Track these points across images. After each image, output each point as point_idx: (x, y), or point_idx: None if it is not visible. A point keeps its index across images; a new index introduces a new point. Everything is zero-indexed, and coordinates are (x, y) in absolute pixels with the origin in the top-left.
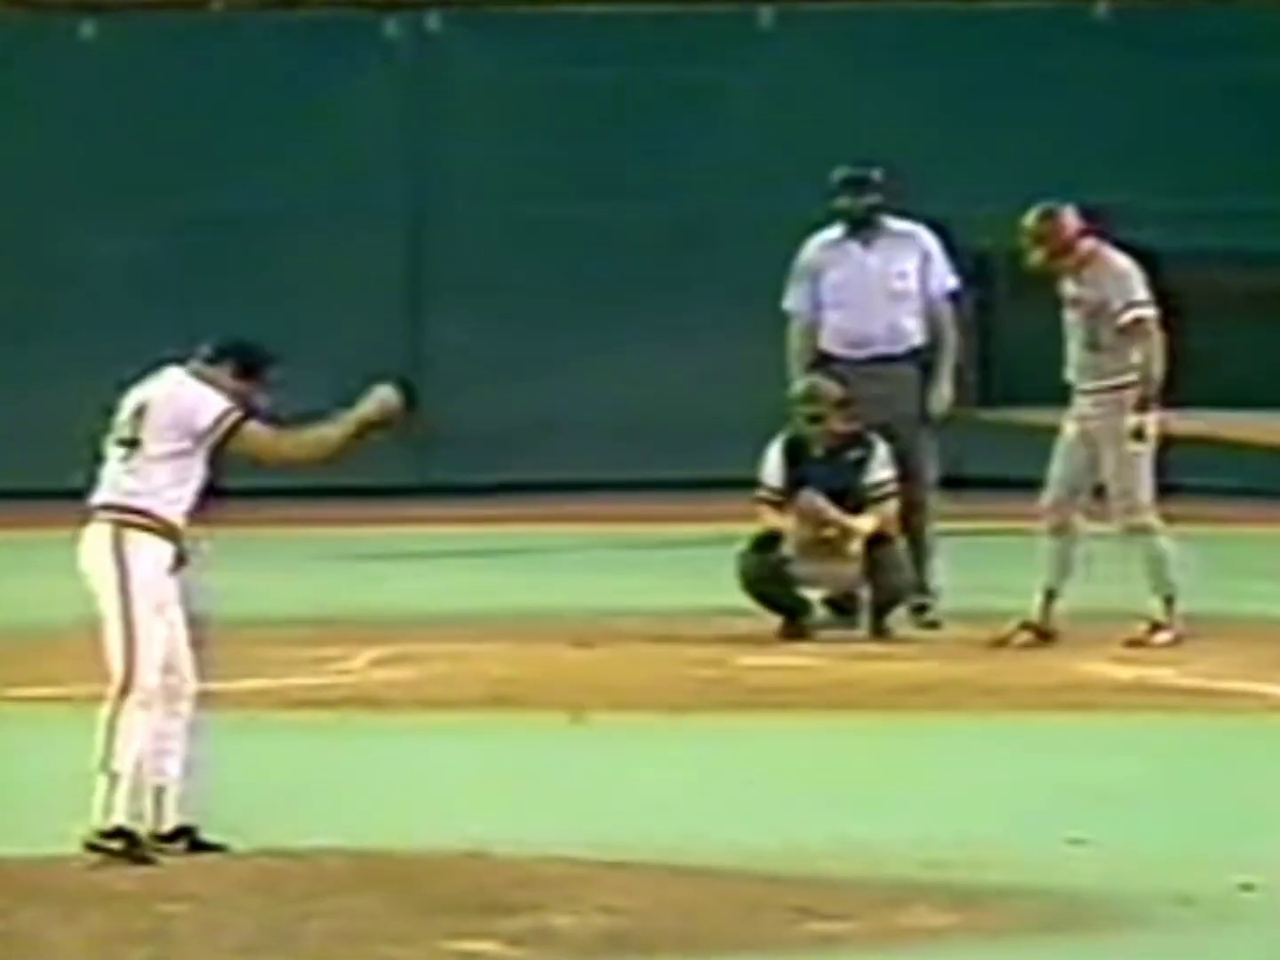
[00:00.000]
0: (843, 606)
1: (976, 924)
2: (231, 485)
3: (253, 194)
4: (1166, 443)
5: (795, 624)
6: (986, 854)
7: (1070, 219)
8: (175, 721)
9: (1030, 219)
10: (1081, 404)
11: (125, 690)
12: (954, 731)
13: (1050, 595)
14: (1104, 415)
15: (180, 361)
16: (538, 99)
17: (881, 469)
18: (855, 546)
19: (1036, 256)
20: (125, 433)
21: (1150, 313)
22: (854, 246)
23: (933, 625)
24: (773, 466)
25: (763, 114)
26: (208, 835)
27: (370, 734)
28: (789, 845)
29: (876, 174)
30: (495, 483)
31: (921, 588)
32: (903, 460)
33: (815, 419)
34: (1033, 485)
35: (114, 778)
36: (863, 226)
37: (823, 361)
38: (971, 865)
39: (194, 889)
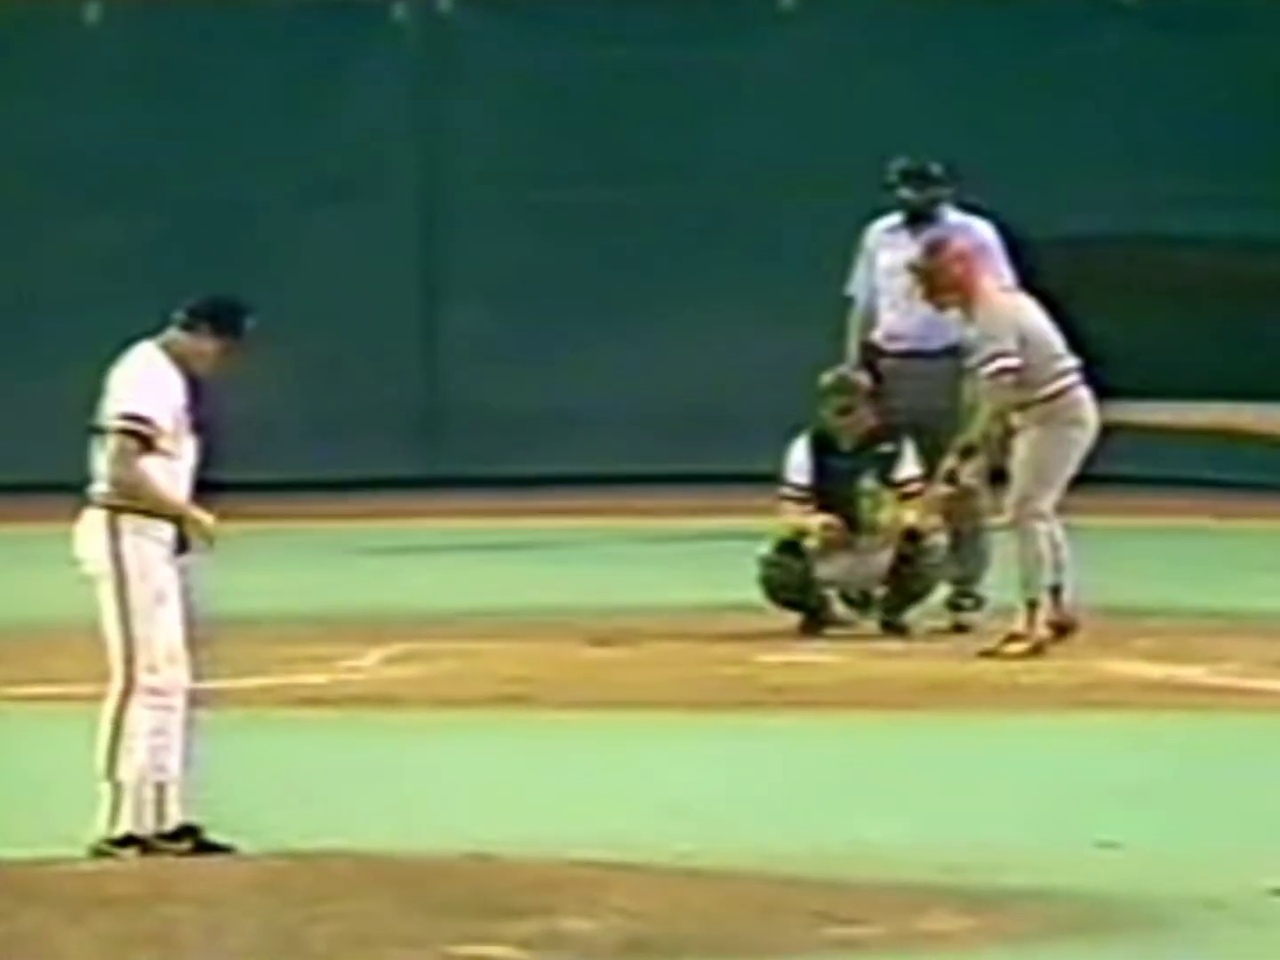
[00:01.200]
0: (860, 601)
1: (998, 928)
2: (234, 478)
3: (260, 180)
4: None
5: (816, 619)
6: (1009, 857)
7: (954, 255)
8: (172, 715)
9: (918, 255)
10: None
11: (127, 690)
12: (976, 731)
13: (1056, 590)
14: (1025, 425)
15: (157, 332)
16: (552, 82)
17: (910, 467)
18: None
19: (919, 293)
20: (99, 418)
21: (1010, 363)
22: (904, 236)
23: (963, 629)
24: (798, 462)
25: (786, 97)
26: (213, 835)
27: (379, 733)
28: (808, 847)
29: (937, 167)
30: (509, 475)
31: (962, 583)
32: (937, 458)
33: (844, 411)
34: (1093, 481)
35: (119, 786)
36: (921, 219)
37: (864, 351)
38: (993, 868)
39: (198, 891)
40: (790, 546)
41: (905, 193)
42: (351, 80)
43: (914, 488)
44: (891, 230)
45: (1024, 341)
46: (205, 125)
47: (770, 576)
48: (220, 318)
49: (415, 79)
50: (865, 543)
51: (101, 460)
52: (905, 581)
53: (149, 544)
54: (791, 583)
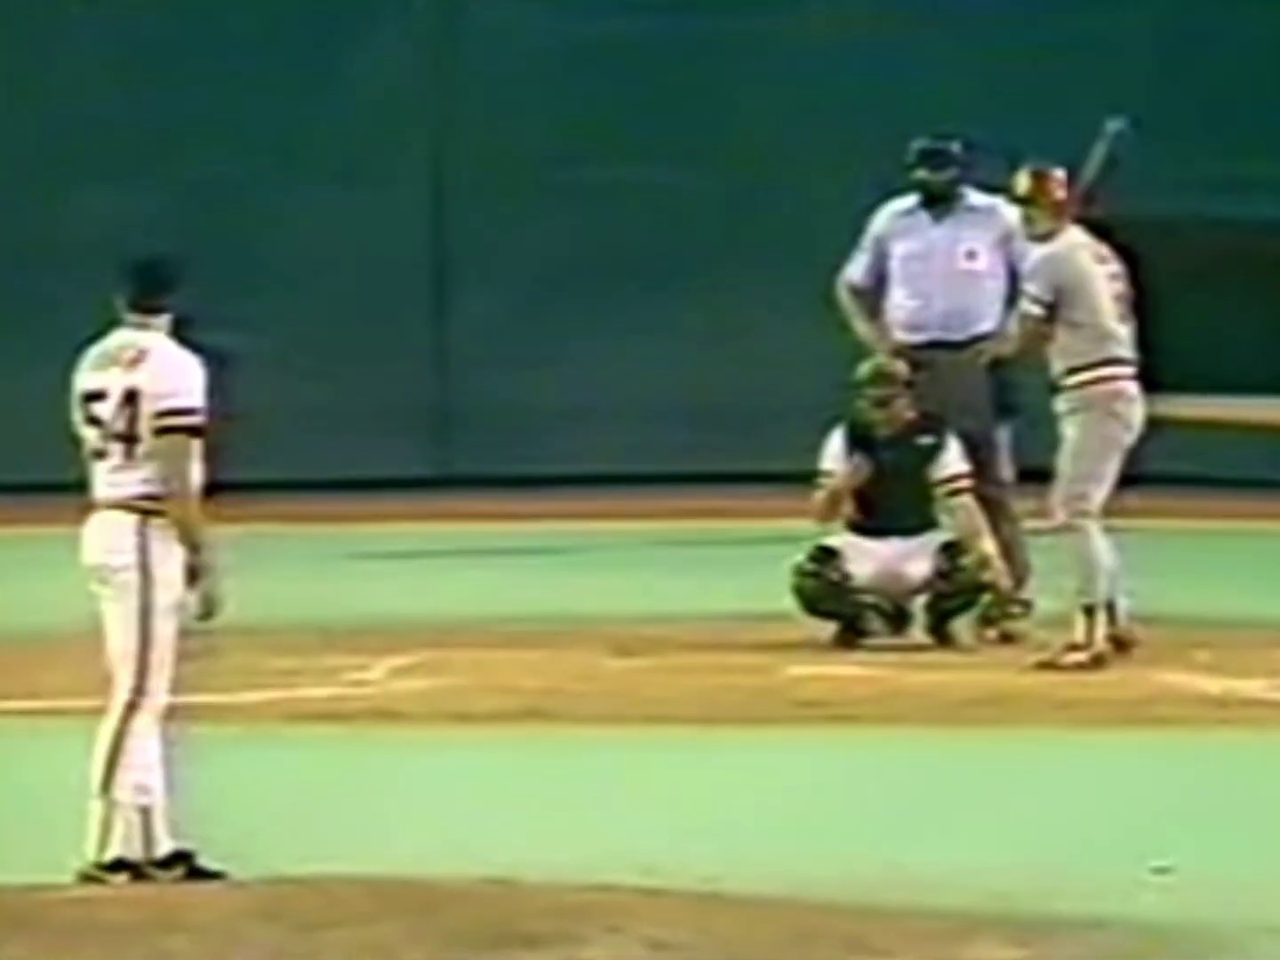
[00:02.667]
0: (896, 616)
1: (1046, 959)
2: (233, 478)
3: (263, 160)
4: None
5: (852, 630)
6: (1058, 882)
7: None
8: (152, 734)
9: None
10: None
11: (134, 704)
12: (1022, 748)
13: (1109, 603)
14: (1064, 415)
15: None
16: (568, 55)
17: (956, 462)
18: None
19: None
20: (121, 420)
21: (1033, 311)
22: (924, 219)
23: (1007, 637)
24: (835, 452)
25: (816, 69)
26: (206, 861)
27: (388, 749)
28: (842, 871)
29: (956, 146)
30: (524, 475)
31: (1008, 589)
32: (969, 456)
33: (882, 403)
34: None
35: (113, 805)
36: (939, 200)
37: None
38: (1041, 895)
39: (196, 919)
40: (825, 553)
41: (923, 174)
42: (358, 58)
43: (960, 485)
44: (908, 213)
45: (1072, 306)
46: (202, 102)
47: (804, 586)
48: (171, 279)
49: (425, 56)
50: (896, 548)
51: (133, 459)
52: (941, 597)
53: (176, 551)
54: (826, 592)
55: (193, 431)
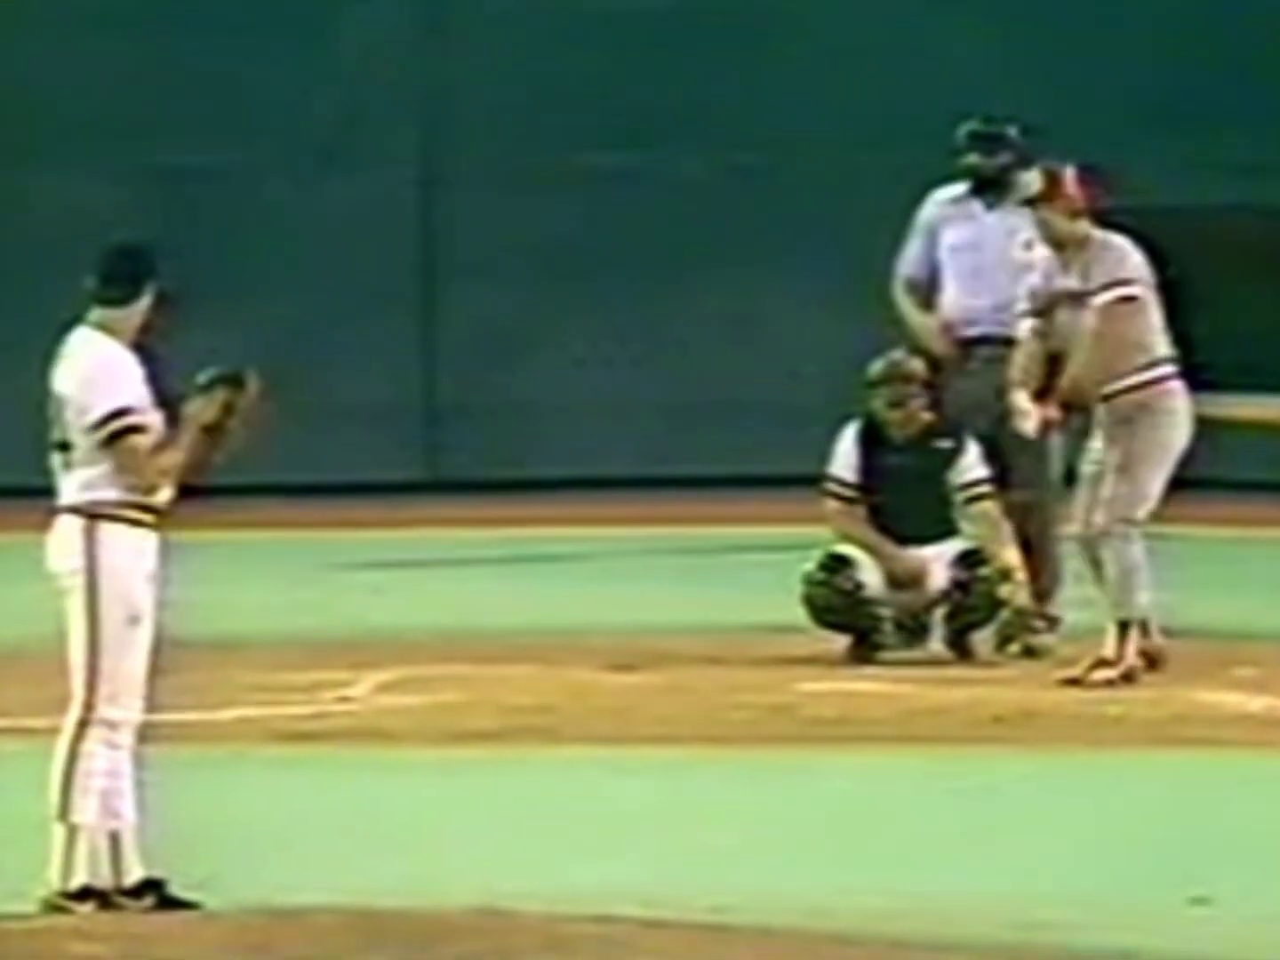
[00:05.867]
0: (913, 628)
1: None
2: (208, 481)
3: (242, 146)
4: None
5: (866, 643)
6: (1088, 913)
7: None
8: (122, 754)
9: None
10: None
11: (85, 721)
12: (1051, 770)
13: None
14: (1111, 423)
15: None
16: (569, 32)
17: (977, 467)
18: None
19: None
20: (64, 432)
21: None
22: (976, 207)
23: (1031, 652)
24: (845, 457)
25: (838, 45)
26: (179, 890)
27: (372, 771)
28: (857, 901)
29: (1012, 130)
30: (519, 479)
31: (1035, 601)
32: (1010, 461)
33: (897, 403)
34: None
35: (74, 830)
36: (991, 187)
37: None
38: (1071, 927)
39: (167, 954)
40: (838, 560)
41: (974, 158)
42: (345, 28)
43: (981, 492)
44: (957, 201)
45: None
46: (179, 86)
47: (814, 595)
48: (140, 270)
49: (417, 28)
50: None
51: (74, 469)
52: (960, 610)
53: (129, 558)
54: (839, 603)
55: (133, 430)
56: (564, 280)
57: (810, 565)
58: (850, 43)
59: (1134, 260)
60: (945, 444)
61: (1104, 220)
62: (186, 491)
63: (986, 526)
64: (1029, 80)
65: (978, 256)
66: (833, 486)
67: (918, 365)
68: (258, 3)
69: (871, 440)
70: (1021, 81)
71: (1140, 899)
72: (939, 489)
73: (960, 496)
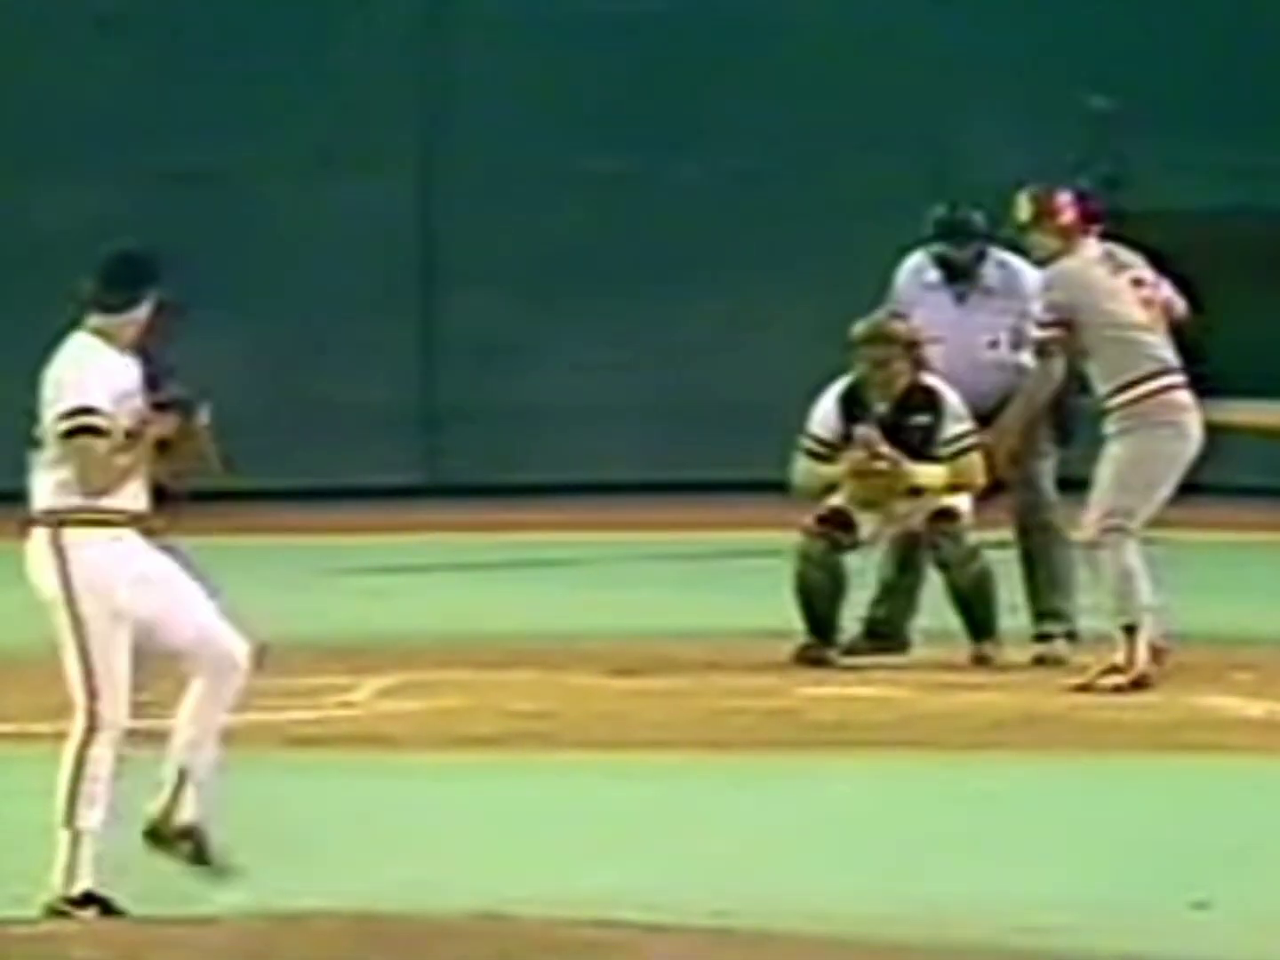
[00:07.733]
0: (884, 634)
1: None
2: (208, 486)
3: (241, 150)
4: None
5: (816, 647)
6: (1091, 917)
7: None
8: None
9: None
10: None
11: (91, 728)
12: (1052, 775)
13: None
14: (1111, 434)
15: (78, 323)
16: (566, 36)
17: (955, 423)
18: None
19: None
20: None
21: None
22: (946, 299)
23: (1043, 661)
24: (824, 415)
25: (836, 51)
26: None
27: (373, 776)
28: (860, 906)
29: (978, 217)
30: (518, 483)
31: (1051, 613)
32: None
33: (880, 363)
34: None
35: (78, 835)
36: (960, 278)
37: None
38: (1074, 930)
39: (173, 958)
40: (836, 512)
41: (943, 249)
42: (346, 36)
43: (964, 444)
44: (930, 287)
45: (1092, 324)
46: (180, 90)
47: (806, 573)
48: (140, 278)
49: (416, 35)
50: (894, 487)
51: (42, 475)
52: (943, 565)
53: (99, 556)
54: (825, 586)
55: (87, 430)
56: (563, 284)
57: (808, 520)
58: (848, 48)
59: (1064, 291)
60: (922, 419)
61: (1108, 232)
62: (165, 497)
63: (969, 470)
64: (1026, 85)
65: (946, 349)
66: (808, 443)
67: (901, 326)
68: (257, 5)
69: (852, 404)
70: (1018, 87)
71: (1141, 903)
72: (921, 458)
73: (945, 453)
